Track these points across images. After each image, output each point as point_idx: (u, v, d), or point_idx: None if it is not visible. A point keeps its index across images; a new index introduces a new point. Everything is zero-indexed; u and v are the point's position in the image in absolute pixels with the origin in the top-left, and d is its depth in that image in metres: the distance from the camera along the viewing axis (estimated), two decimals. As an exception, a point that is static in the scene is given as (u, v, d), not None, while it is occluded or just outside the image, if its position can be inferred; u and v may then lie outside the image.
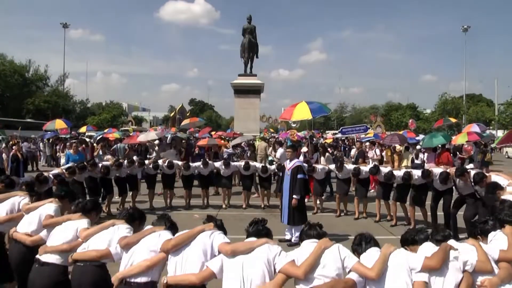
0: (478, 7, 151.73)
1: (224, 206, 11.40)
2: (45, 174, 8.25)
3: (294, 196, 7.85)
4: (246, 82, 28.06)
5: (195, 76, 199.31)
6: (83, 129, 28.91)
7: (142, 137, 16.20)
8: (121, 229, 3.88)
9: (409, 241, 3.65)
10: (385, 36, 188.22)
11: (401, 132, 21.58)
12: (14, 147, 15.67)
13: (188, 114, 38.19)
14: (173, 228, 3.91)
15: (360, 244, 3.56)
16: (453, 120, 28.61)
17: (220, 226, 3.80)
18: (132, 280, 3.44)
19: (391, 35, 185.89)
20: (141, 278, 3.45)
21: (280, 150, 13.85)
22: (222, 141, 18.15)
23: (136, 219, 4.10)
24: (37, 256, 4.05)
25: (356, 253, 3.50)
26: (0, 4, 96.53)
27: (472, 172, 7.81)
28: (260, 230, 3.65)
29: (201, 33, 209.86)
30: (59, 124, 22.21)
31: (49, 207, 4.68)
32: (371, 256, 3.37)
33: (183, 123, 24.37)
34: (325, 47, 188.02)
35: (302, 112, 11.23)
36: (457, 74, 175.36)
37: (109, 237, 3.83)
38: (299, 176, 7.93)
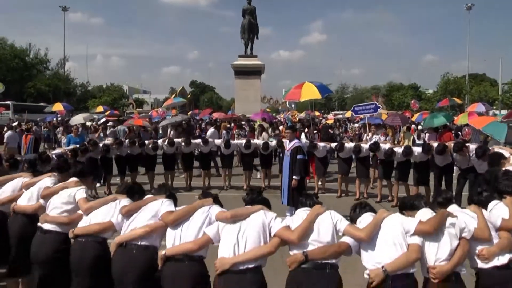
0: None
1: (225, 187, 11.41)
2: (48, 153, 8.29)
3: (293, 177, 7.85)
4: (247, 63, 27.95)
5: (196, 58, 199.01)
6: (99, 109, 28.66)
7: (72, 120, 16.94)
8: (123, 202, 3.90)
9: (408, 206, 3.64)
10: (386, 16, 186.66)
11: (417, 115, 20.96)
12: (32, 129, 15.85)
13: (189, 96, 38.07)
14: (172, 197, 3.94)
15: (355, 210, 3.61)
16: (458, 100, 28.35)
17: (216, 200, 3.83)
18: (133, 242, 3.48)
19: (392, 15, 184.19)
20: (141, 241, 3.49)
21: (211, 130, 14.37)
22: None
23: (136, 193, 4.12)
24: (39, 224, 4.13)
25: (353, 222, 3.54)
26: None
27: (472, 146, 7.81)
28: (254, 198, 3.68)
29: (201, 15, 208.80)
30: (56, 106, 22.76)
31: (46, 180, 4.70)
32: (365, 220, 3.40)
33: (164, 104, 24.82)
34: (326, 28, 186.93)
35: (310, 92, 11.20)
36: (459, 54, 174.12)
37: (111, 211, 3.86)
38: (298, 156, 7.91)
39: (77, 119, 17.43)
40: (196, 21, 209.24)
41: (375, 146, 9.62)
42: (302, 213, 3.49)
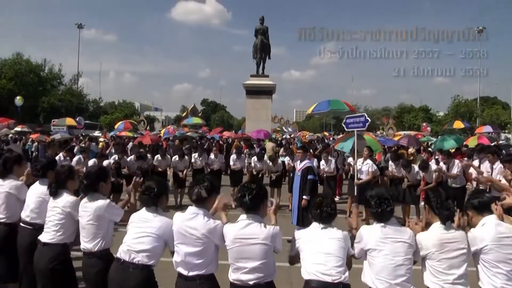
0: (493, 8, 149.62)
1: (233, 205, 11.38)
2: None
3: (304, 197, 7.85)
4: (258, 83, 28.11)
5: (207, 76, 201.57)
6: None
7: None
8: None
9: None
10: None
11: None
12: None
13: (200, 115, 38.40)
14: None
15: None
16: (460, 126, 27.85)
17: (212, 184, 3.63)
18: (129, 260, 3.42)
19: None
20: (139, 260, 3.42)
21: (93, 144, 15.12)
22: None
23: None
24: (39, 237, 4.08)
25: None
26: (17, 4, 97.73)
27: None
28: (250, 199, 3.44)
29: (213, 33, 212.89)
30: (69, 121, 23.13)
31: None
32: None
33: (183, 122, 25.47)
34: (337, 48, 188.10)
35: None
36: (471, 76, 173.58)
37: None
38: (309, 177, 7.92)
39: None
40: (208, 40, 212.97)
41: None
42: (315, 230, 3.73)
